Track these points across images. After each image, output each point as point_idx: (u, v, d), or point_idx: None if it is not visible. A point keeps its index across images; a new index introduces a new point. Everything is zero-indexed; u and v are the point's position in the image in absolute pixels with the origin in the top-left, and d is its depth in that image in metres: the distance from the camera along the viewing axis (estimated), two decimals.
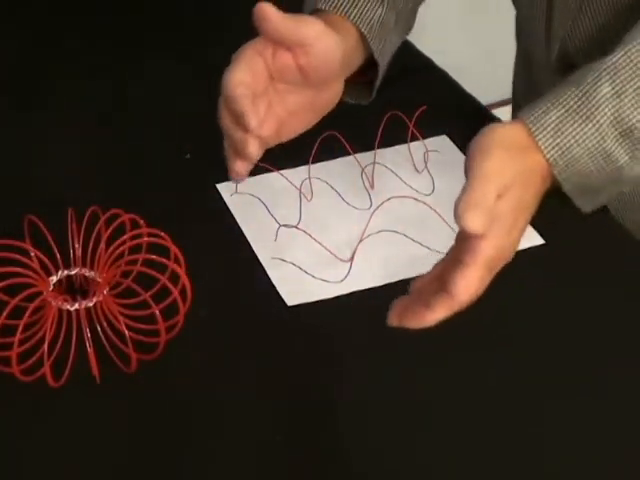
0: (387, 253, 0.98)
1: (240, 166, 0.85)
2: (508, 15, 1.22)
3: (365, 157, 1.08)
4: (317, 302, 0.94)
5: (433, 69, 1.27)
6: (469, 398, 0.86)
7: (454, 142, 1.12)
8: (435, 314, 0.74)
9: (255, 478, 0.80)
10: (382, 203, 1.03)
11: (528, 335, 0.91)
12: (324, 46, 0.85)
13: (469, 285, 0.73)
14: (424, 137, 1.10)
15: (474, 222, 0.72)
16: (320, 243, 0.99)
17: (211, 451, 0.81)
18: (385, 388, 0.86)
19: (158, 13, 1.38)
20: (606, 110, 0.78)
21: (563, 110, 0.79)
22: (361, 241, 0.99)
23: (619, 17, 0.96)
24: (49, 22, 1.37)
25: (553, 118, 0.78)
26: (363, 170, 1.07)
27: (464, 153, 1.10)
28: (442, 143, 1.12)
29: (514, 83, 1.27)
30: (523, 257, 0.97)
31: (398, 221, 1.01)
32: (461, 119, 1.16)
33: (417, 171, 1.09)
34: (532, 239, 1.00)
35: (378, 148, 1.08)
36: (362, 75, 0.95)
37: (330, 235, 1.00)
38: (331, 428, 0.84)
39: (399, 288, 0.94)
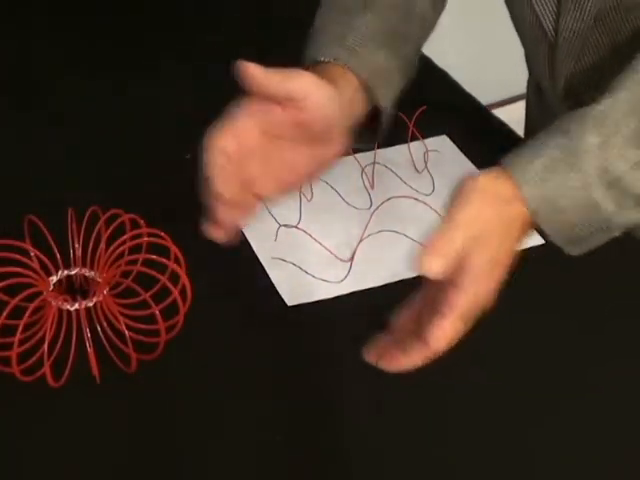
0: (387, 253, 0.98)
1: (214, 231, 0.82)
2: (508, 15, 1.22)
3: (365, 157, 1.08)
4: (317, 302, 0.94)
5: (433, 69, 1.27)
6: (469, 398, 0.86)
7: (454, 142, 1.12)
8: (410, 360, 0.74)
9: (255, 478, 0.80)
10: (382, 203, 1.03)
11: (528, 335, 0.91)
12: (316, 99, 0.82)
13: (444, 336, 0.73)
14: (424, 137, 1.10)
15: (431, 266, 0.71)
16: (320, 243, 0.99)
17: (211, 451, 0.81)
18: (385, 388, 0.86)
19: (158, 13, 1.38)
20: (592, 161, 0.76)
21: (549, 160, 0.77)
22: (361, 241, 0.99)
23: (620, 50, 0.95)
24: (49, 22, 1.37)
25: (538, 168, 0.76)
26: (363, 170, 1.07)
27: (464, 153, 1.11)
28: (442, 143, 1.12)
29: (527, 107, 1.25)
30: (523, 257, 0.98)
31: (398, 221, 1.01)
32: (461, 119, 1.16)
33: (417, 171, 1.09)
34: (532, 239, 1.00)
35: (378, 148, 1.08)
36: (369, 119, 0.93)
37: (330, 235, 1.00)
38: (331, 428, 0.84)
39: (399, 288, 0.95)
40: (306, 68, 0.86)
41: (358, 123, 0.89)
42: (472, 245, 0.74)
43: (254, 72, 0.79)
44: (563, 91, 1.02)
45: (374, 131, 0.93)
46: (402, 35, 0.95)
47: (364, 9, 0.92)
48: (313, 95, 0.82)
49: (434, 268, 0.72)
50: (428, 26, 1.00)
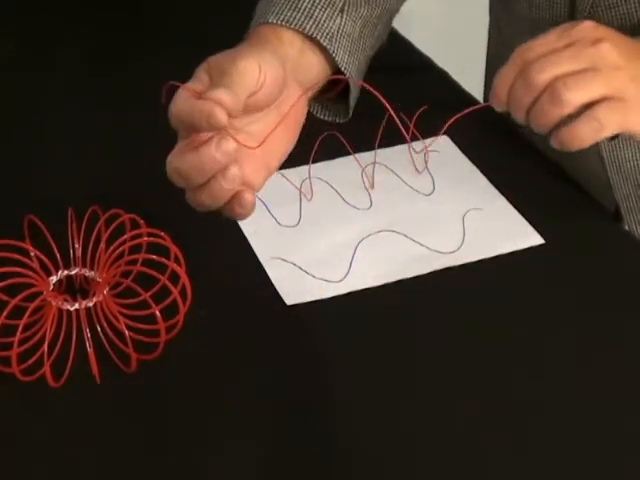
0: (387, 253, 0.98)
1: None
2: None
3: (365, 157, 1.08)
4: (317, 302, 0.94)
5: (433, 69, 1.27)
6: (469, 398, 0.86)
7: (454, 142, 1.12)
8: None
9: (255, 478, 0.80)
10: (382, 203, 1.03)
11: (528, 335, 0.91)
12: (269, 81, 0.81)
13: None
14: (424, 137, 1.10)
15: None
16: (320, 243, 0.99)
17: (211, 451, 0.81)
18: (385, 388, 0.86)
19: (158, 13, 1.38)
20: None
21: None
22: (361, 241, 0.99)
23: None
24: (49, 21, 1.37)
25: None
26: (363, 170, 1.07)
27: (464, 153, 1.11)
28: (442, 143, 1.12)
29: (488, 46, 1.26)
30: (523, 257, 0.98)
31: (398, 221, 1.01)
32: (461, 119, 1.16)
33: (417, 171, 1.09)
34: (532, 239, 1.00)
35: (378, 148, 1.08)
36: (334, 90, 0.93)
37: (330, 235, 1.00)
38: (331, 428, 0.84)
39: (399, 288, 0.95)
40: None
41: (324, 93, 0.91)
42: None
43: (223, 105, 0.76)
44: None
45: (340, 105, 0.94)
46: (367, 1, 0.94)
47: None
48: (266, 82, 0.80)
49: None
50: None
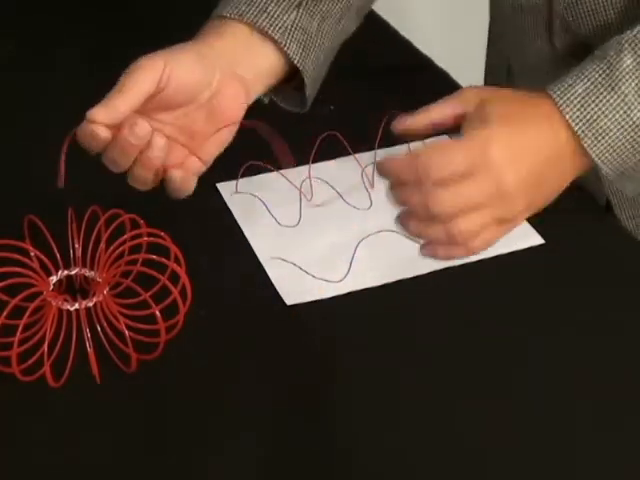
0: (387, 253, 0.98)
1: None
2: None
3: (365, 157, 1.08)
4: (316, 302, 0.94)
5: (433, 69, 1.27)
6: (469, 397, 0.85)
7: None
8: None
9: (255, 478, 0.80)
10: (382, 203, 1.03)
11: (528, 335, 0.91)
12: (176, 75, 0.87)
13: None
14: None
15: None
16: (320, 243, 0.99)
17: (211, 451, 0.81)
18: (385, 388, 0.86)
19: (158, 13, 1.38)
20: (630, 81, 0.79)
21: (589, 83, 0.79)
22: (361, 241, 0.99)
23: None
24: (49, 21, 1.37)
25: (579, 91, 0.79)
26: (363, 170, 1.07)
27: None
28: None
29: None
30: (523, 257, 0.98)
31: None
32: None
33: None
34: (532, 239, 1.00)
35: (378, 148, 1.08)
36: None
37: (330, 235, 1.00)
38: (331, 428, 0.84)
39: (398, 288, 0.95)
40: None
41: (280, 83, 0.94)
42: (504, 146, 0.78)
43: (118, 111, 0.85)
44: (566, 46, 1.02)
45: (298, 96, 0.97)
46: None
47: None
48: (172, 81, 0.86)
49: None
50: None
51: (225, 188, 1.06)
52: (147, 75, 0.86)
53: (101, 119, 0.84)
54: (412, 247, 0.99)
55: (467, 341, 0.90)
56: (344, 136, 1.06)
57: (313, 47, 0.94)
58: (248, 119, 0.92)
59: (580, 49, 0.94)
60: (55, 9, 1.39)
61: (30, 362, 0.84)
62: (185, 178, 0.88)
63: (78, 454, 0.81)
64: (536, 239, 1.00)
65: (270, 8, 0.91)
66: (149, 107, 0.87)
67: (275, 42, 0.92)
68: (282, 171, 1.05)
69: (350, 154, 1.08)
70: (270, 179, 1.06)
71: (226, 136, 0.91)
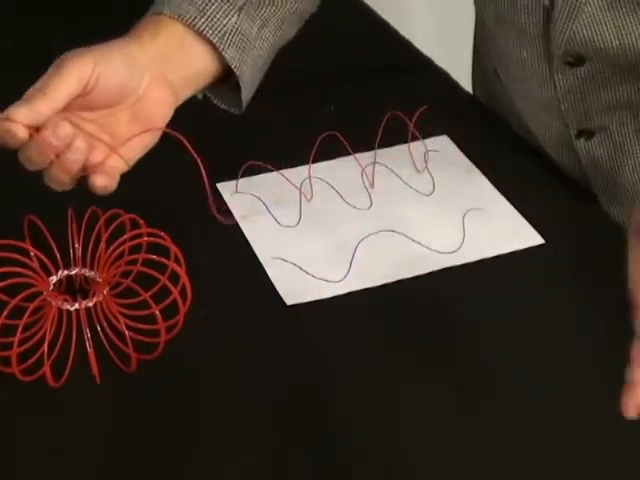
0: (387, 253, 0.98)
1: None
2: None
3: (365, 157, 1.08)
4: (316, 302, 0.94)
5: (433, 69, 1.27)
6: (469, 397, 0.86)
7: (454, 142, 1.12)
8: None
9: (255, 478, 0.80)
10: (382, 203, 1.03)
11: (527, 335, 0.91)
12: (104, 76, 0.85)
13: None
14: (424, 137, 1.10)
15: None
16: (320, 243, 0.99)
17: (211, 450, 0.81)
18: (385, 388, 0.86)
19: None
20: None
21: None
22: (361, 241, 0.99)
23: None
24: (49, 21, 1.37)
25: None
26: (363, 170, 1.07)
27: (464, 153, 1.11)
28: (442, 143, 1.12)
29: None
30: (523, 257, 0.98)
31: (398, 221, 1.01)
32: (461, 119, 1.16)
33: (417, 171, 1.09)
34: (532, 239, 1.00)
35: (378, 148, 1.08)
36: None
37: (330, 235, 1.00)
38: (331, 428, 0.84)
39: (399, 288, 0.95)
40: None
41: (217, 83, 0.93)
42: None
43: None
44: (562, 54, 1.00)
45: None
46: (271, 1, 0.95)
47: None
48: (100, 82, 0.85)
49: None
50: None
51: (225, 188, 1.06)
52: (74, 75, 0.84)
53: (21, 119, 0.81)
54: (412, 247, 0.99)
55: (467, 341, 0.90)
56: (344, 136, 1.06)
57: (251, 52, 0.93)
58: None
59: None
60: (55, 9, 1.39)
61: (30, 362, 0.84)
62: (107, 182, 0.86)
63: (78, 454, 0.81)
64: (536, 239, 1.00)
65: (210, 11, 0.90)
66: (72, 105, 0.85)
67: (212, 45, 0.91)
68: (282, 171, 1.06)
69: (350, 154, 1.08)
70: (270, 179, 1.06)
71: (150, 139, 0.89)
